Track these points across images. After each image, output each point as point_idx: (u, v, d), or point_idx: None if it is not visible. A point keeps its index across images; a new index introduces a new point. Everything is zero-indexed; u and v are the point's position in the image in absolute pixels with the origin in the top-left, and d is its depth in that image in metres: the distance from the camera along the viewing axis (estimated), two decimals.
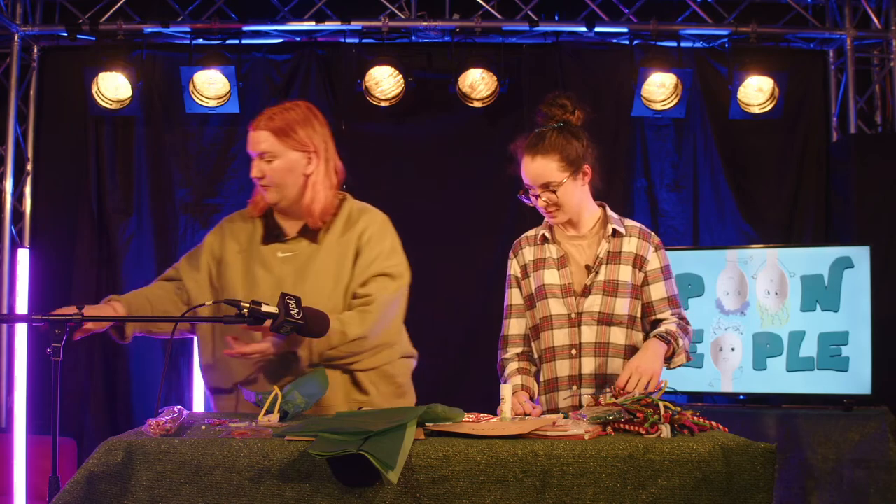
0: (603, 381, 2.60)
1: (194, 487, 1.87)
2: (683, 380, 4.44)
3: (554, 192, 2.59)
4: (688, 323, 2.69)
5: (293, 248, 2.54)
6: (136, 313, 2.47)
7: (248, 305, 2.20)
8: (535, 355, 2.70)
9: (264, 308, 2.20)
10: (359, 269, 2.51)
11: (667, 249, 2.75)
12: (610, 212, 2.72)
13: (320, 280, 2.49)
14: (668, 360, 2.58)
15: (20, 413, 4.26)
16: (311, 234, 2.55)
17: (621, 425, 2.08)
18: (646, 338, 2.68)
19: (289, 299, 2.24)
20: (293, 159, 2.51)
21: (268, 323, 2.23)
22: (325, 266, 2.51)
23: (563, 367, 2.63)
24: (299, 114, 2.53)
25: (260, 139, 2.50)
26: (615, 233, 2.66)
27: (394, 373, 2.62)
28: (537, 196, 2.61)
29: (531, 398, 2.63)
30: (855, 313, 4.30)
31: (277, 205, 2.55)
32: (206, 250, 2.61)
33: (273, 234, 2.57)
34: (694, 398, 4.64)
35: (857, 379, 4.27)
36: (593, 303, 2.61)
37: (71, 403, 4.87)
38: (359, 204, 2.66)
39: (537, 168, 2.59)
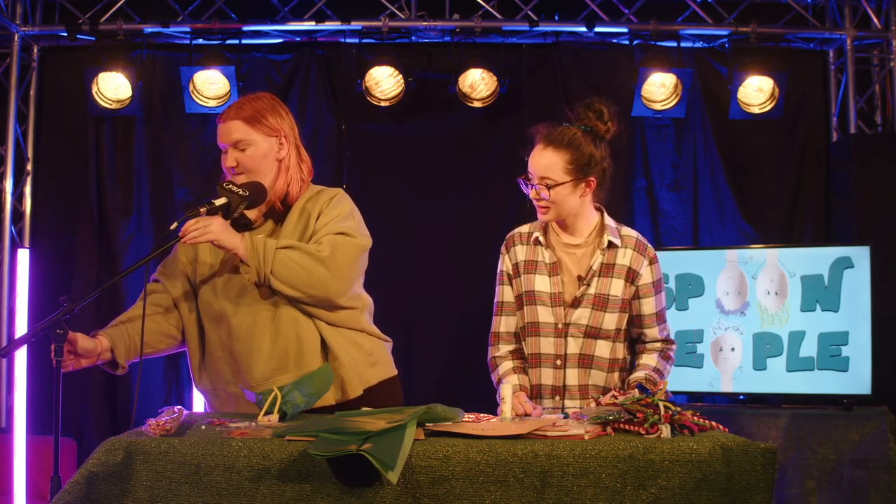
0: (585, 391, 2.60)
1: (194, 487, 1.87)
2: (683, 380, 4.44)
3: (548, 188, 2.55)
4: (672, 343, 2.69)
5: (260, 231, 2.56)
6: (119, 343, 2.49)
7: (203, 209, 2.35)
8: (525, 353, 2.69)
9: (217, 202, 2.38)
10: (311, 231, 2.52)
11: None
12: (607, 219, 2.67)
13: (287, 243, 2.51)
14: None
15: (20, 413, 4.26)
16: (276, 216, 2.57)
17: (621, 425, 2.08)
18: (629, 347, 2.68)
19: (226, 184, 2.44)
20: (266, 145, 2.54)
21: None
22: (288, 237, 2.51)
23: (546, 376, 2.62)
24: (266, 102, 2.57)
25: (232, 129, 2.51)
26: (610, 244, 2.62)
27: (363, 344, 2.58)
28: (534, 186, 2.58)
29: (529, 397, 2.62)
30: (855, 313, 4.30)
31: None
32: (180, 255, 2.62)
33: (241, 224, 2.56)
34: (694, 398, 4.64)
35: (857, 379, 4.27)
36: (581, 315, 2.59)
37: (71, 403, 4.87)
38: (320, 187, 2.68)
39: (543, 160, 2.56)
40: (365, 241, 2.53)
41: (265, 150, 2.53)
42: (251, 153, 2.52)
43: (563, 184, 2.55)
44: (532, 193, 2.60)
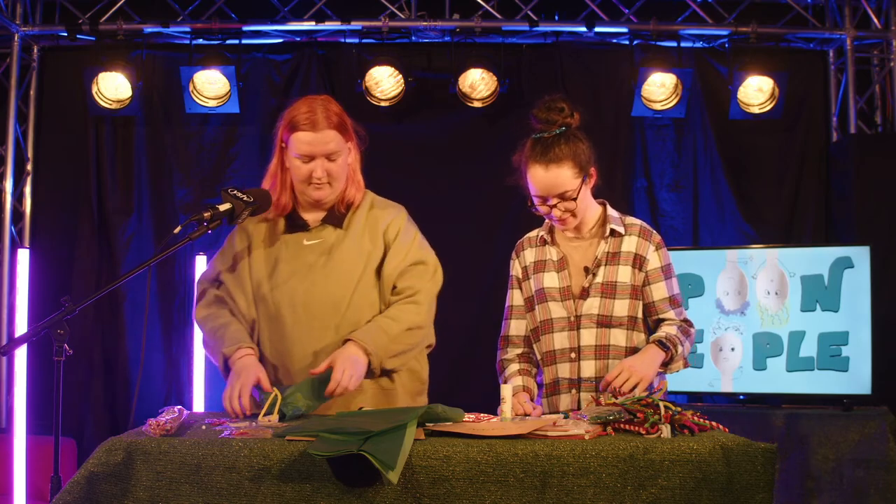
0: None
1: (194, 487, 1.87)
2: (683, 380, 4.44)
3: (574, 199, 2.55)
4: (690, 325, 2.68)
5: (318, 235, 2.55)
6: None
7: (207, 214, 2.31)
8: (537, 357, 2.70)
9: (221, 208, 2.35)
10: (393, 264, 2.53)
11: (667, 249, 2.74)
12: (610, 210, 2.69)
13: (350, 262, 2.51)
14: (665, 365, 2.58)
15: (20, 413, 4.26)
16: (335, 220, 2.56)
17: (621, 425, 2.08)
18: (648, 337, 2.68)
19: (231, 189, 2.39)
20: (346, 151, 2.54)
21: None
22: (354, 249, 2.53)
23: (563, 370, 2.62)
24: (339, 106, 2.55)
25: (328, 139, 2.47)
26: (613, 233, 2.64)
27: (420, 372, 2.63)
28: (553, 206, 2.57)
29: (532, 399, 2.62)
30: (855, 313, 4.30)
31: (323, 201, 2.54)
32: (241, 257, 2.59)
33: (297, 225, 2.56)
34: (694, 398, 4.64)
35: (857, 379, 4.27)
36: (592, 305, 2.60)
37: (71, 403, 4.88)
38: (378, 196, 2.69)
39: (552, 178, 2.53)
40: (438, 265, 2.60)
41: (346, 156, 2.53)
42: (340, 162, 2.50)
43: (579, 188, 2.56)
44: (555, 213, 2.58)
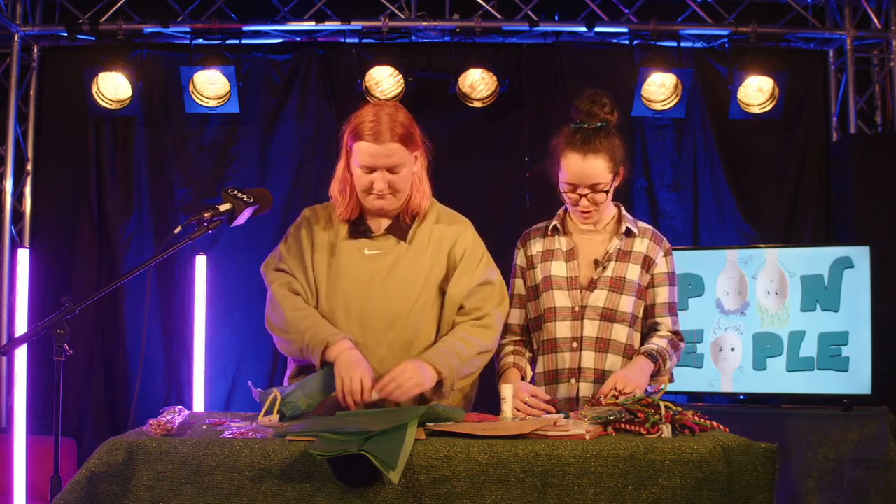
0: (601, 375, 2.62)
1: (195, 487, 1.87)
2: (683, 380, 4.44)
3: (605, 192, 2.60)
4: (681, 339, 2.72)
5: (381, 245, 2.52)
6: None
7: (208, 214, 2.29)
8: (535, 346, 2.73)
9: (221, 208, 2.32)
10: (461, 285, 2.51)
11: (673, 258, 2.75)
12: (625, 212, 2.74)
13: (410, 280, 2.49)
14: (652, 377, 2.61)
15: (20, 413, 4.25)
16: (400, 231, 2.53)
17: (622, 425, 2.08)
18: (643, 339, 2.70)
19: (230, 190, 2.37)
20: (411, 161, 2.49)
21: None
22: (416, 265, 2.50)
23: (563, 360, 2.65)
24: (407, 115, 2.49)
25: (390, 152, 2.42)
26: (628, 232, 2.68)
27: (469, 390, 2.61)
28: (583, 195, 2.60)
29: (522, 377, 2.65)
30: (855, 313, 4.30)
31: (385, 210, 2.50)
32: (305, 255, 2.56)
33: (359, 230, 2.53)
34: (694, 398, 4.64)
35: (857, 379, 4.27)
36: (598, 298, 2.63)
37: (71, 403, 4.87)
38: (444, 207, 2.66)
39: (589, 168, 2.57)
40: (502, 282, 2.59)
41: (411, 166, 2.48)
42: (403, 174, 2.46)
43: (611, 183, 2.61)
44: (583, 202, 2.62)
